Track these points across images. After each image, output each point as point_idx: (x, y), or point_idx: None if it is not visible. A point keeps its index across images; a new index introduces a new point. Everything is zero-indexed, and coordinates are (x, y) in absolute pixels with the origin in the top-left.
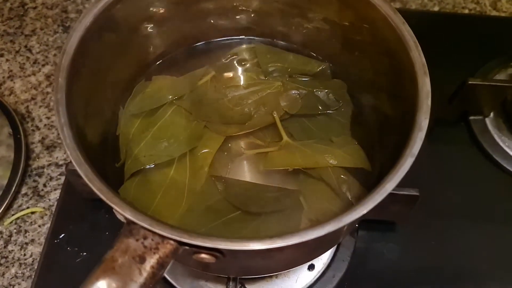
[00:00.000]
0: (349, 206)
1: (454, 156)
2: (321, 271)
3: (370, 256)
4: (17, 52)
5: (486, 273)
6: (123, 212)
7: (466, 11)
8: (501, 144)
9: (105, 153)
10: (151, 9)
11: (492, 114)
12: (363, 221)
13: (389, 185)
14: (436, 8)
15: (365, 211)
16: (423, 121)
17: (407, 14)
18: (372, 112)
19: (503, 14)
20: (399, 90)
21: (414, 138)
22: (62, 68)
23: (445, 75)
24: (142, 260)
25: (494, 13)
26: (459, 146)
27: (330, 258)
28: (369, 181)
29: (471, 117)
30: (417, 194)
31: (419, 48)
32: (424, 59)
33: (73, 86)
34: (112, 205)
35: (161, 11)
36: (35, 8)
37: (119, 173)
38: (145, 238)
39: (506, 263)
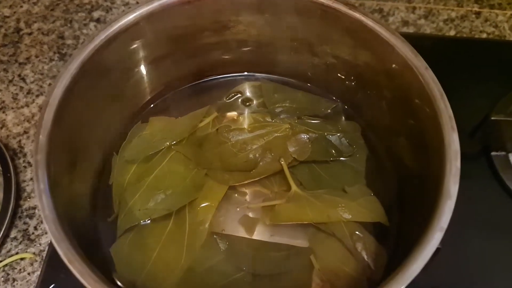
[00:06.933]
0: (364, 267)
1: (474, 192)
2: None
3: None
4: (10, 81)
5: None
6: None
7: (484, 36)
8: None
9: (96, 206)
10: (146, 48)
11: None
12: None
13: (414, 269)
14: (452, 33)
15: None
16: (452, 187)
17: (421, 39)
18: (390, 159)
19: None
20: (421, 140)
21: (442, 208)
22: (44, 124)
23: (464, 105)
24: None
25: None
26: (480, 182)
27: None
28: (387, 237)
29: (493, 153)
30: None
31: (445, 98)
32: (451, 111)
33: (57, 141)
34: None
35: (158, 49)
36: (30, 34)
37: (112, 226)
38: None
39: None
